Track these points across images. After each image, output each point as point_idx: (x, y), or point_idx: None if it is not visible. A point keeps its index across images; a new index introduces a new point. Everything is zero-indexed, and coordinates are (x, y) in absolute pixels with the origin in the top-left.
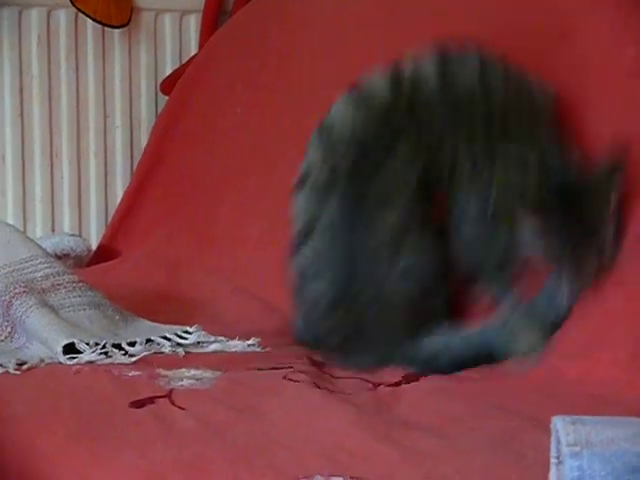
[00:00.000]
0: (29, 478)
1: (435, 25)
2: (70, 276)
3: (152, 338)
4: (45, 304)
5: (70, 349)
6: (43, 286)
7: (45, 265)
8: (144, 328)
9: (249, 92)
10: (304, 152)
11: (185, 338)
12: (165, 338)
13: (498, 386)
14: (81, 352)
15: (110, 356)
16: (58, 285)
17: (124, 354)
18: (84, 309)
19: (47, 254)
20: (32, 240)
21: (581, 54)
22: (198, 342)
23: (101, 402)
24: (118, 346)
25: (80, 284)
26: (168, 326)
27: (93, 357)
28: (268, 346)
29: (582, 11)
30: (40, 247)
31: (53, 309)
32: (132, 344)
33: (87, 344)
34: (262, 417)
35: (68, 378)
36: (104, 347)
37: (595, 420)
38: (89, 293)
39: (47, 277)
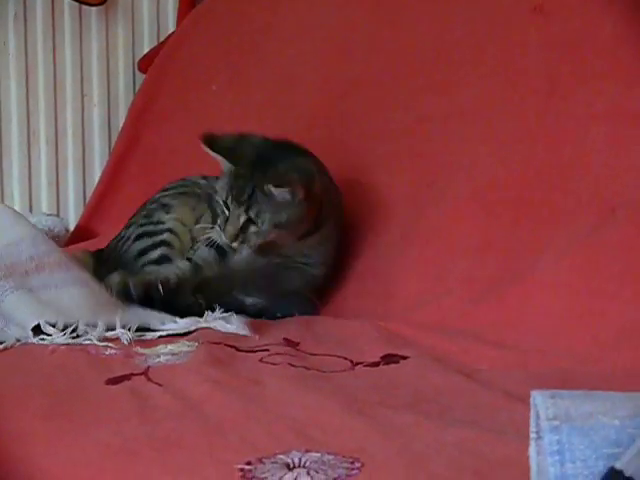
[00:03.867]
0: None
1: (415, 7)
2: (56, 255)
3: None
4: (22, 286)
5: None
6: (27, 268)
7: (30, 247)
8: (131, 312)
9: (225, 70)
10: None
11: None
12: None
13: (478, 364)
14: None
15: (79, 336)
16: (42, 265)
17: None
18: (67, 286)
19: (36, 235)
20: (22, 221)
21: (554, 29)
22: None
23: (76, 380)
24: (94, 325)
25: (67, 262)
26: (156, 313)
27: (62, 340)
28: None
29: None
30: (29, 227)
31: (30, 290)
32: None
33: (53, 325)
34: (237, 393)
35: (43, 357)
36: (75, 330)
37: (574, 394)
38: (75, 271)
39: (31, 258)
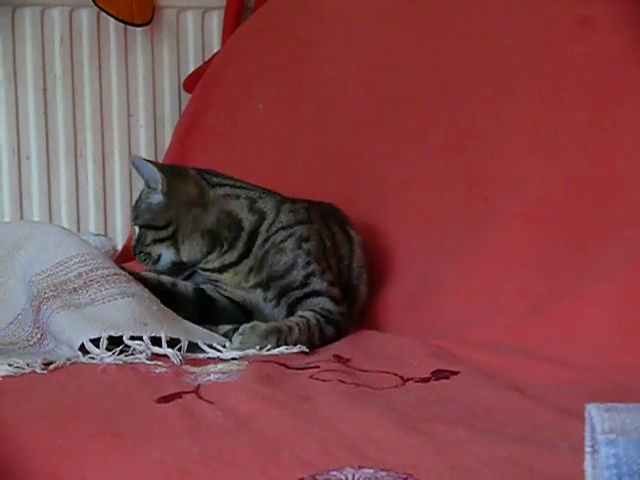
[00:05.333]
0: (52, 474)
1: (459, 20)
2: (104, 270)
3: (181, 338)
4: (69, 304)
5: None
6: (75, 285)
7: (79, 264)
8: (181, 327)
9: (271, 88)
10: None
11: (220, 351)
12: (198, 348)
13: (529, 379)
14: (108, 348)
15: (126, 350)
16: (90, 281)
17: (142, 352)
18: (115, 299)
19: (85, 252)
20: (72, 238)
21: (602, 41)
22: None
23: (126, 398)
24: (139, 338)
25: (114, 277)
26: (206, 331)
27: (111, 359)
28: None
29: None
30: (79, 244)
31: (78, 307)
32: (157, 340)
33: (97, 340)
34: (288, 409)
35: (94, 376)
36: (120, 343)
37: (629, 407)
38: (124, 284)
39: (80, 276)
